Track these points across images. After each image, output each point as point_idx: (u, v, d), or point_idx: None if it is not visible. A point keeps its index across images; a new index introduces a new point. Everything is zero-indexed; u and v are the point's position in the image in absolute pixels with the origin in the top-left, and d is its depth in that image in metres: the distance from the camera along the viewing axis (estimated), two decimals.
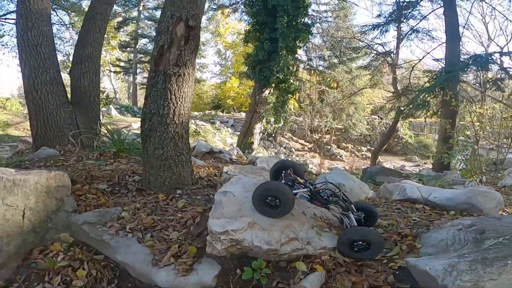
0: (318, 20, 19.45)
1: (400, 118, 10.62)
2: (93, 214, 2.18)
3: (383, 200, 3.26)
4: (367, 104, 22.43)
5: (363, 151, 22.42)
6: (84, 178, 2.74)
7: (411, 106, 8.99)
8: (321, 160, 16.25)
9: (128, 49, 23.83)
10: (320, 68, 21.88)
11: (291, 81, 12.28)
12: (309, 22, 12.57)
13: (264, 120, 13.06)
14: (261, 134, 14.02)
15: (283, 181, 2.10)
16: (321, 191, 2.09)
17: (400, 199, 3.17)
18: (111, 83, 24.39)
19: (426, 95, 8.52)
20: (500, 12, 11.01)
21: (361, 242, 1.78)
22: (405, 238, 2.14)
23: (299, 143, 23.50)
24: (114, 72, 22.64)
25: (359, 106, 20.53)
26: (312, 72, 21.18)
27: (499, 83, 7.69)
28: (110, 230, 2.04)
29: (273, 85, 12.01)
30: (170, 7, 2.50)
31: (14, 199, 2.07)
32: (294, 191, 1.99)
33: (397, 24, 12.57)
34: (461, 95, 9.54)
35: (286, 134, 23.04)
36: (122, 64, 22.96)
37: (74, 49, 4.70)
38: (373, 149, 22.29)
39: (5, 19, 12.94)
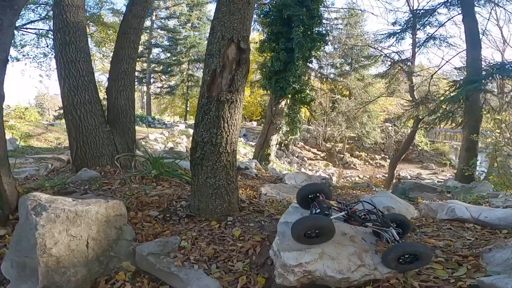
0: (328, 27, 19.55)
1: (423, 129, 10.45)
2: (155, 244, 2.19)
3: (430, 219, 3.19)
4: (380, 112, 22.24)
5: (377, 159, 22.15)
6: (135, 205, 2.77)
7: (433, 116, 8.85)
8: (340, 171, 16.06)
9: (142, 58, 24.34)
10: (332, 76, 21.92)
11: (307, 91, 12.30)
12: (324, 31, 12.61)
13: (280, 132, 13.04)
14: (277, 145, 14.00)
15: (317, 210, 2.03)
16: (357, 211, 2.09)
17: (448, 219, 3.10)
18: None
19: (450, 105, 8.37)
20: None
21: (408, 256, 1.81)
22: (465, 258, 2.11)
23: (312, 152, 23.37)
24: None
25: (372, 114, 20.38)
26: (324, 80, 21.20)
27: None
28: (175, 261, 2.05)
29: (289, 95, 12.04)
30: (220, 28, 2.47)
31: (78, 229, 2.12)
32: (331, 217, 1.96)
33: (412, 32, 12.51)
34: (483, 103, 9.37)
35: (298, 143, 22.96)
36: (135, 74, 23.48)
37: (110, 65, 4.66)
38: (385, 157, 22.05)
39: (26, 29, 12.85)
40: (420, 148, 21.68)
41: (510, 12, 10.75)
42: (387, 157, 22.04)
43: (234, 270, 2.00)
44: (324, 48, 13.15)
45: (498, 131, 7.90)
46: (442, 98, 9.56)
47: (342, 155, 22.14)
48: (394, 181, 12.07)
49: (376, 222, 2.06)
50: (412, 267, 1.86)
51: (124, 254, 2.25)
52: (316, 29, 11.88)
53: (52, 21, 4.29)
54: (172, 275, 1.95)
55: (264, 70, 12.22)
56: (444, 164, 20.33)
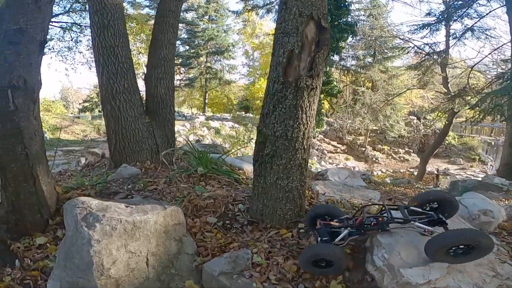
0: (350, 18, 18.75)
1: (470, 123, 9.79)
2: (225, 261, 1.89)
3: None
4: (404, 105, 21.33)
5: (400, 153, 21.33)
6: (190, 210, 2.47)
7: (477, 109, 8.21)
8: (370, 166, 15.48)
9: None
10: (353, 68, 21.12)
11: (334, 83, 11.80)
12: (352, 22, 11.99)
13: None
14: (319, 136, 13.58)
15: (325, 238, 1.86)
16: (364, 219, 1.87)
17: None
18: None
19: (495, 98, 7.70)
20: None
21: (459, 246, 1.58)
22: None
23: (331, 145, 22.75)
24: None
25: (396, 107, 19.58)
26: (346, 72, 20.46)
27: None
28: (253, 281, 1.74)
29: None
30: (295, 2, 2.09)
31: (137, 244, 1.84)
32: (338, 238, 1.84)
33: (445, 23, 11.71)
34: None
35: (318, 136, 22.39)
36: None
37: (148, 51, 4.29)
38: (409, 151, 21.19)
39: (51, 23, 12.99)
40: (447, 142, 20.69)
41: None
42: (412, 151, 21.21)
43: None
44: (352, 39, 12.48)
45: None
46: (485, 91, 8.88)
47: (364, 149, 21.45)
48: (425, 176, 11.48)
49: (394, 222, 1.79)
50: (468, 259, 1.60)
51: (187, 271, 1.97)
52: (344, 19, 11.32)
53: (88, 4, 3.95)
54: None
55: None
56: (473, 159, 19.36)
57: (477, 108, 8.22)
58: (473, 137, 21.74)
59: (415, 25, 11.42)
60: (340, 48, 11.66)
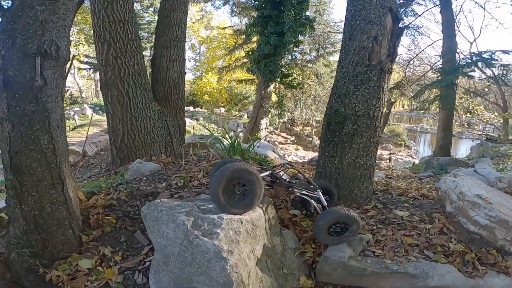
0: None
1: (415, 111, 11.26)
2: (340, 248, 1.79)
3: None
4: None
5: None
6: None
7: (419, 98, 9.59)
8: None
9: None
10: (299, 62, 22.25)
11: (294, 75, 12.27)
12: (311, 16, 12.57)
13: (269, 115, 12.87)
14: (267, 129, 13.82)
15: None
16: (282, 175, 2.03)
17: None
18: (75, 81, 21.61)
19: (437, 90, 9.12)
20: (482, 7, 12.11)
21: (339, 224, 1.77)
22: None
23: (282, 136, 23.71)
24: (78, 69, 20.06)
25: None
26: (294, 65, 21.44)
27: (503, 78, 8.62)
28: (383, 258, 1.76)
29: (278, 79, 11.86)
30: None
31: (259, 247, 1.61)
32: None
33: None
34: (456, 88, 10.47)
35: (279, 126, 23.06)
36: (87, 60, 20.51)
37: (155, 29, 3.83)
38: None
39: None
40: None
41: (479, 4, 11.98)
42: None
43: (449, 252, 1.83)
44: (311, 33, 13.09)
45: None
46: (423, 82, 10.36)
47: (311, 138, 22.93)
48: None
49: (302, 187, 1.97)
50: (343, 239, 1.78)
51: (296, 267, 1.81)
52: (305, 13, 11.78)
53: None
54: (394, 274, 1.68)
55: (250, 54, 11.79)
56: (400, 145, 22.48)
57: (417, 98, 9.56)
58: (398, 125, 25.19)
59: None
60: (299, 42, 12.13)
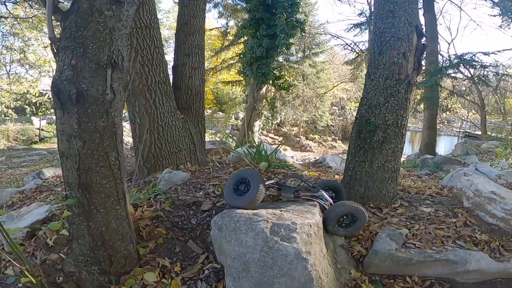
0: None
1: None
2: (384, 240, 2.05)
3: None
4: (329, 96, 24.12)
5: (329, 140, 24.11)
6: None
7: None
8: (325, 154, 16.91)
9: None
10: (285, 63, 22.63)
11: (286, 77, 12.55)
12: (301, 19, 12.86)
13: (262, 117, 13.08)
14: (260, 131, 14.01)
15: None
16: (287, 182, 2.25)
17: None
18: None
19: (417, 90, 9.66)
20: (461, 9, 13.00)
21: (347, 216, 2.05)
22: None
23: (269, 137, 24.03)
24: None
25: (323, 98, 22.03)
26: (283, 67, 21.76)
27: (483, 78, 9.31)
28: (425, 249, 2.02)
29: (270, 81, 12.09)
30: (402, 13, 2.45)
31: (323, 246, 1.82)
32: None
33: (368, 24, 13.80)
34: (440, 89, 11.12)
35: (272, 127, 23.32)
36: None
37: (175, 36, 3.87)
38: (335, 138, 24.30)
39: None
40: None
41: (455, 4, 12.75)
42: (337, 138, 24.21)
43: (477, 241, 2.11)
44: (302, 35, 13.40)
45: None
46: None
47: (298, 139, 23.38)
48: None
49: (306, 190, 2.17)
50: (352, 231, 2.07)
51: (346, 262, 2.04)
52: (296, 16, 12.06)
53: None
54: (437, 262, 1.94)
55: (242, 56, 11.94)
56: None
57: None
58: None
59: (348, 24, 13.10)
60: (290, 45, 12.42)
